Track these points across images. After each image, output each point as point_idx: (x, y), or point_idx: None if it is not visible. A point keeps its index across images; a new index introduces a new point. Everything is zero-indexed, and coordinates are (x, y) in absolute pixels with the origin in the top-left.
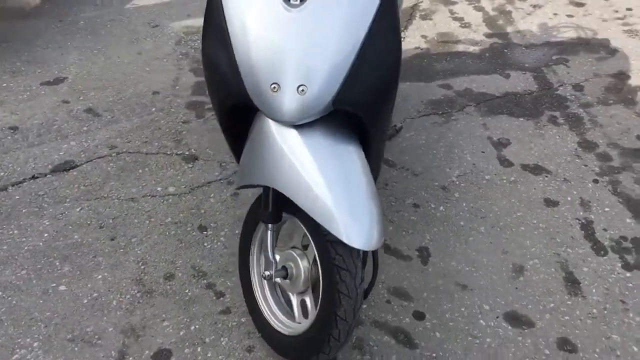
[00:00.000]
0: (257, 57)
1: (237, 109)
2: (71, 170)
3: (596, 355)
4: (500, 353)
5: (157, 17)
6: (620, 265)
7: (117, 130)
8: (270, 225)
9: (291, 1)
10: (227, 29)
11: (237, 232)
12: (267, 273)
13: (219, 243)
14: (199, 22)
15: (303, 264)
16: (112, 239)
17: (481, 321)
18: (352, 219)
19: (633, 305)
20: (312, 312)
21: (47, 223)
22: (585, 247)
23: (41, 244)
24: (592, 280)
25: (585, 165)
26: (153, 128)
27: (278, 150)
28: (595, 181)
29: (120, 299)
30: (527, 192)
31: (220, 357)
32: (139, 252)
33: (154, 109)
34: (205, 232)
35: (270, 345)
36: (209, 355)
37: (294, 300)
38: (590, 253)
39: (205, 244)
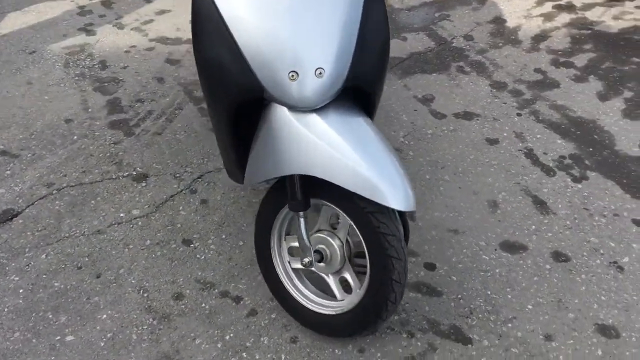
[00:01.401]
0: (268, 48)
1: (240, 108)
2: (15, 219)
3: (586, 257)
4: (513, 278)
5: (30, 42)
6: (570, 179)
7: (46, 167)
8: (301, 213)
9: None
10: (227, 26)
11: (223, 237)
12: (306, 260)
13: (211, 252)
14: (79, 40)
15: (336, 243)
16: (98, 276)
17: (484, 256)
18: (391, 185)
19: (594, 210)
20: (358, 285)
21: (17, 279)
22: (536, 172)
23: (21, 301)
24: (555, 198)
25: (505, 103)
26: (84, 156)
27: (303, 137)
28: (519, 114)
29: (139, 332)
30: (469, 137)
31: (268, 355)
32: (133, 281)
33: (75, 137)
34: (192, 245)
35: (315, 330)
36: (257, 357)
37: (331, 281)
38: (542, 176)
39: (198, 256)
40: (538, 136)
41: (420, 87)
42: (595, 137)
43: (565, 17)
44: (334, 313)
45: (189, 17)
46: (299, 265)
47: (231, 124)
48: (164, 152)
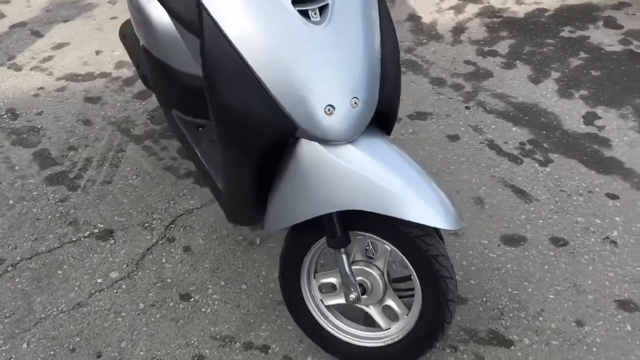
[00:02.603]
0: (301, 86)
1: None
2: None
3: (581, 238)
4: (526, 271)
5: None
6: (537, 165)
7: None
8: (342, 250)
9: (311, 18)
10: (251, 70)
11: (222, 283)
12: (352, 296)
13: (215, 302)
14: None
15: (376, 273)
16: (99, 356)
17: (491, 254)
18: (439, 206)
19: (570, 190)
20: (405, 311)
21: None
22: (505, 162)
23: None
24: (531, 185)
25: (451, 98)
26: (30, 221)
27: (341, 170)
28: (467, 108)
29: None
30: (430, 137)
31: None
32: (141, 353)
33: (11, 202)
34: (192, 299)
35: None
36: None
37: (373, 311)
38: (512, 165)
39: (203, 310)
40: (493, 127)
41: None
42: (543, 119)
43: (474, 8)
44: (383, 344)
45: (93, 48)
46: (333, 302)
47: (256, 168)
48: (121, 202)
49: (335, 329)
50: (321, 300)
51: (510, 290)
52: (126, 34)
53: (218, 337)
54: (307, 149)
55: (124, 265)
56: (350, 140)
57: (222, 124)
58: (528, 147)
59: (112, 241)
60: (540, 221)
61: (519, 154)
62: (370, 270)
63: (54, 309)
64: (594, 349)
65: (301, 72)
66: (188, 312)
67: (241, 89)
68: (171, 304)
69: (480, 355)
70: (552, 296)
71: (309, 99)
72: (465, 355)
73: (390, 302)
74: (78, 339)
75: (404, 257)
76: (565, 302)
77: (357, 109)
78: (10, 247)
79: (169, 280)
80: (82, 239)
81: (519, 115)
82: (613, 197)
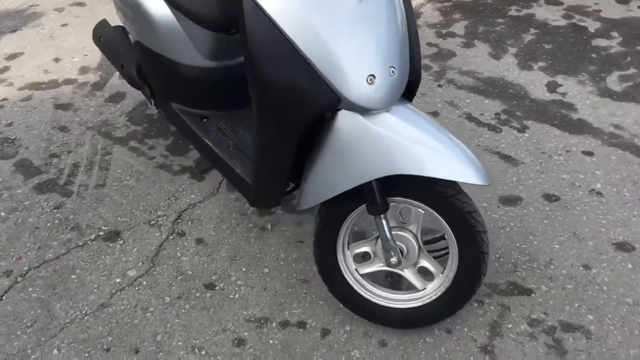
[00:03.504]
0: (345, 57)
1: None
2: None
3: (570, 192)
4: (528, 226)
5: None
6: (516, 132)
7: None
8: (382, 215)
9: None
10: (294, 45)
11: (244, 269)
12: (393, 260)
13: (242, 288)
14: None
15: (410, 236)
16: (137, 351)
17: (494, 215)
18: (473, 164)
19: (550, 151)
20: (439, 269)
21: None
22: (486, 132)
23: None
24: (515, 150)
25: (422, 78)
26: (29, 231)
27: (382, 138)
28: (440, 86)
29: None
30: None
31: None
32: (180, 344)
33: (3, 213)
34: (217, 287)
35: (404, 326)
36: None
37: (408, 274)
38: (492, 134)
39: (231, 296)
40: (467, 101)
41: None
42: (511, 91)
43: None
44: (422, 303)
45: (50, 57)
46: (368, 270)
47: (297, 145)
48: (120, 203)
49: (373, 295)
50: (356, 269)
51: (518, 245)
52: (102, 36)
53: (252, 319)
54: (346, 120)
55: (140, 263)
56: (387, 109)
57: (265, 104)
58: (503, 116)
59: (120, 242)
60: (530, 181)
61: (497, 124)
62: (405, 235)
63: (77, 313)
64: (605, 288)
65: (343, 44)
66: (216, 300)
67: (286, 66)
68: (197, 295)
69: (505, 306)
70: (557, 246)
71: (352, 70)
72: (492, 307)
73: (424, 263)
74: (110, 338)
75: (439, 217)
76: (569, 250)
77: (394, 77)
78: (14, 258)
79: (189, 273)
80: (89, 242)
81: (489, 89)
82: (589, 154)
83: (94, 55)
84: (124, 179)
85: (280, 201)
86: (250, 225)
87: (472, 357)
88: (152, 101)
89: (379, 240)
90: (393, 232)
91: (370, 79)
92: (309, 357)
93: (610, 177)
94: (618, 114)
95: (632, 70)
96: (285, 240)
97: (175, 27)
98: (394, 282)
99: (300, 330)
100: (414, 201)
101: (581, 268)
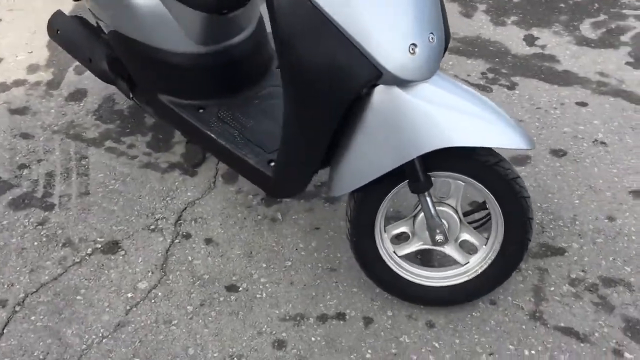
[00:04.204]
0: (385, 28)
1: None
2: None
3: (575, 145)
4: (544, 184)
5: None
6: (506, 89)
7: None
8: (426, 193)
9: None
10: (330, 18)
11: (264, 265)
12: (440, 238)
13: (267, 285)
14: None
15: (450, 211)
16: None
17: None
18: (517, 129)
19: (545, 106)
20: (482, 241)
21: None
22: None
23: None
24: (509, 107)
25: None
26: (15, 254)
27: (425, 111)
28: None
29: None
30: None
31: (422, 350)
32: (215, 355)
33: None
34: (241, 288)
35: (451, 303)
36: (413, 357)
37: (450, 249)
38: (484, 93)
39: (258, 296)
40: (450, 63)
41: None
42: (491, 48)
43: None
44: (468, 278)
45: None
46: (406, 251)
47: (334, 126)
48: (111, 210)
49: (415, 276)
50: (394, 252)
51: (540, 205)
52: (60, 29)
53: (287, 317)
54: (385, 95)
55: (149, 273)
56: (426, 79)
57: (300, 84)
58: (490, 75)
59: (122, 252)
60: (535, 138)
61: (485, 83)
62: (445, 209)
63: (93, 337)
64: (633, 237)
65: (381, 13)
66: (243, 302)
67: (321, 41)
68: (221, 299)
69: (543, 269)
70: (577, 201)
71: (393, 40)
72: (529, 272)
73: (466, 236)
74: (137, 359)
75: (482, 187)
76: (590, 204)
77: (434, 44)
78: (6, 286)
79: (206, 277)
80: (87, 257)
81: (469, 49)
82: (583, 104)
83: (40, 51)
84: (109, 184)
85: (305, 188)
86: (259, 217)
87: (523, 326)
88: (131, 95)
89: (417, 219)
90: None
91: (412, 49)
92: (356, 349)
93: (609, 126)
94: (600, 61)
95: (602, 17)
96: (300, 229)
97: (161, 12)
98: (424, 259)
99: (341, 322)
100: (455, 174)
101: (606, 220)
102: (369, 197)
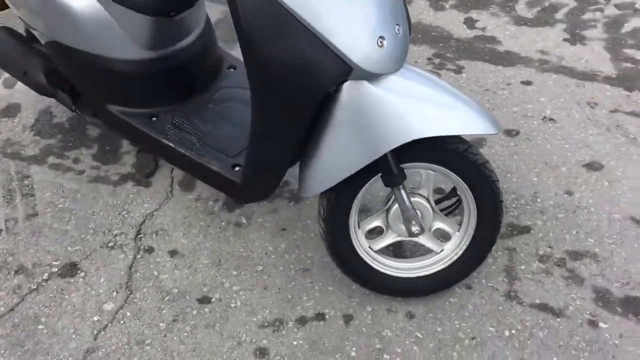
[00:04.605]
0: (351, 22)
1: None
2: None
3: (526, 123)
4: (502, 164)
5: None
6: (453, 73)
7: None
8: (401, 186)
9: None
10: (299, 18)
11: (234, 273)
12: (416, 229)
13: (240, 293)
14: None
15: (422, 201)
16: None
17: None
18: (484, 114)
19: (492, 87)
20: (455, 227)
21: None
22: None
23: None
24: (459, 91)
25: None
26: None
27: (395, 105)
28: None
29: None
30: None
31: (407, 342)
32: None
33: None
34: (214, 299)
35: (431, 292)
36: (397, 350)
37: (424, 239)
38: None
39: (233, 305)
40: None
41: None
42: (434, 34)
43: None
44: (444, 265)
45: None
46: (381, 245)
47: (307, 123)
48: (64, 230)
49: (392, 269)
50: (369, 247)
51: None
52: None
53: (266, 324)
54: (354, 91)
55: (114, 293)
56: (394, 73)
57: (268, 85)
58: (436, 60)
59: (81, 274)
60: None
61: (433, 69)
62: (417, 200)
63: None
64: (592, 209)
65: (346, 7)
66: (218, 313)
67: (288, 40)
68: (194, 312)
69: (511, 248)
70: (535, 179)
71: (361, 34)
72: (499, 252)
73: (439, 224)
74: None
75: (452, 174)
76: (547, 180)
77: (400, 36)
78: None
79: (175, 291)
80: (44, 283)
81: (412, 36)
82: (528, 83)
83: None
84: (58, 202)
85: (274, 191)
86: (223, 223)
87: (500, 307)
88: (74, 107)
89: (390, 212)
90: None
91: (380, 41)
92: (340, 348)
93: (556, 102)
94: (538, 40)
95: None
96: (266, 231)
97: (105, 19)
98: (396, 251)
99: (321, 322)
100: (427, 164)
101: (565, 195)
102: (341, 194)
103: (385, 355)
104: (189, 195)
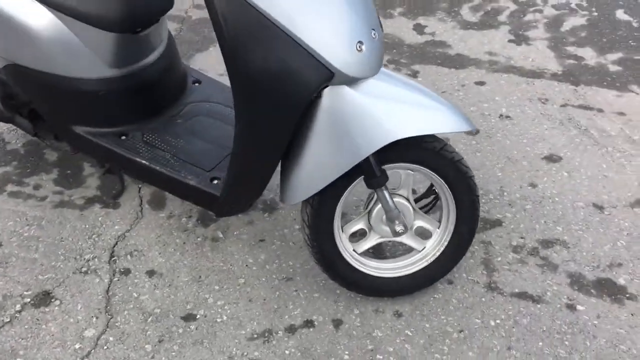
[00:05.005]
0: (331, 28)
1: None
2: None
3: (484, 122)
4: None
5: None
6: (409, 79)
7: None
8: (383, 187)
9: None
10: (281, 26)
11: (216, 288)
12: (400, 228)
13: (226, 307)
14: None
15: (403, 201)
16: None
17: None
18: (459, 113)
19: (448, 89)
20: (435, 225)
21: None
22: None
23: None
24: None
25: None
26: None
27: (375, 108)
28: None
29: None
30: None
31: (397, 340)
32: None
33: None
34: (199, 315)
35: (416, 290)
36: (389, 349)
37: (406, 238)
38: None
39: (219, 320)
40: None
41: None
42: (386, 40)
43: None
44: (427, 262)
45: None
46: (365, 247)
47: (291, 130)
48: (32, 259)
49: (377, 270)
50: (354, 250)
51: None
52: None
53: (255, 336)
54: (335, 96)
55: (93, 319)
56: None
57: (252, 94)
58: (391, 66)
59: (56, 302)
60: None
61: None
62: (398, 200)
63: None
64: (557, 199)
65: (326, 13)
66: (205, 329)
67: (272, 48)
68: (180, 331)
69: (486, 241)
70: (499, 174)
71: (341, 39)
72: (475, 247)
73: (420, 222)
74: None
75: (431, 173)
76: (511, 174)
77: (377, 40)
78: None
79: (157, 311)
80: (17, 315)
81: None
82: (481, 83)
83: None
84: (23, 231)
85: (255, 202)
86: (199, 239)
87: (483, 299)
88: (35, 132)
89: (372, 214)
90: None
91: (359, 46)
92: (333, 353)
93: (509, 100)
94: (486, 42)
95: (477, 1)
96: (244, 244)
97: (69, 38)
98: (375, 252)
99: (311, 329)
100: (407, 164)
101: (529, 187)
102: (325, 199)
103: (378, 356)
104: (160, 214)
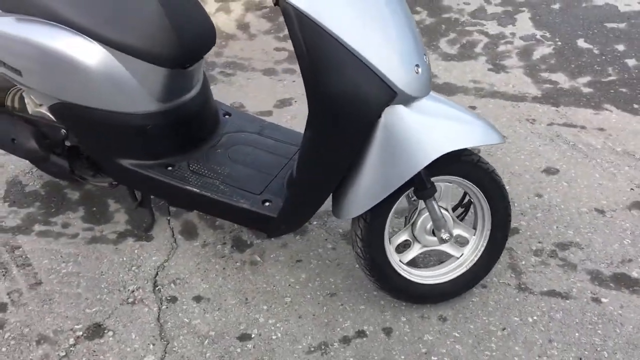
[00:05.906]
0: (397, 53)
1: None
2: None
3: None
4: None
5: None
6: None
7: None
8: (432, 198)
9: None
10: (354, 52)
11: (265, 308)
12: (446, 235)
13: (278, 325)
14: None
15: (443, 212)
16: None
17: None
18: (493, 127)
19: None
20: (471, 232)
21: None
22: None
23: None
24: None
25: (294, 81)
26: None
27: (428, 124)
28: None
29: None
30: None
31: (442, 350)
32: None
33: None
34: (253, 335)
35: (457, 295)
36: (442, 350)
37: (447, 246)
38: None
39: (274, 337)
40: None
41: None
42: None
43: (238, 5)
44: (466, 268)
45: None
46: (409, 257)
47: (359, 148)
48: (76, 294)
49: (424, 278)
50: (400, 260)
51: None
52: None
53: (312, 349)
54: (394, 115)
55: (150, 346)
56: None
57: (328, 114)
58: None
59: (110, 333)
60: None
61: None
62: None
63: None
64: (562, 206)
65: (390, 38)
66: (262, 347)
67: (349, 72)
68: (238, 350)
69: (509, 248)
70: (507, 187)
71: (404, 63)
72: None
73: (458, 231)
74: None
75: (469, 183)
76: (517, 187)
77: (427, 63)
78: None
79: (212, 333)
80: (72, 348)
81: None
82: (472, 107)
83: None
84: (60, 268)
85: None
86: (238, 264)
87: (517, 299)
88: (71, 169)
89: (415, 225)
90: (427, 214)
91: (417, 69)
92: (389, 358)
93: (501, 121)
94: (468, 72)
95: (452, 35)
96: (283, 265)
97: (120, 74)
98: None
99: (364, 339)
100: (449, 176)
101: (536, 198)
102: (378, 213)
103: (433, 357)
104: (194, 243)
